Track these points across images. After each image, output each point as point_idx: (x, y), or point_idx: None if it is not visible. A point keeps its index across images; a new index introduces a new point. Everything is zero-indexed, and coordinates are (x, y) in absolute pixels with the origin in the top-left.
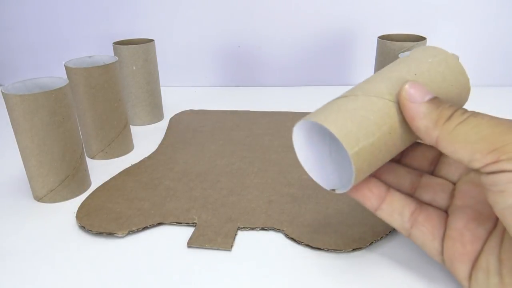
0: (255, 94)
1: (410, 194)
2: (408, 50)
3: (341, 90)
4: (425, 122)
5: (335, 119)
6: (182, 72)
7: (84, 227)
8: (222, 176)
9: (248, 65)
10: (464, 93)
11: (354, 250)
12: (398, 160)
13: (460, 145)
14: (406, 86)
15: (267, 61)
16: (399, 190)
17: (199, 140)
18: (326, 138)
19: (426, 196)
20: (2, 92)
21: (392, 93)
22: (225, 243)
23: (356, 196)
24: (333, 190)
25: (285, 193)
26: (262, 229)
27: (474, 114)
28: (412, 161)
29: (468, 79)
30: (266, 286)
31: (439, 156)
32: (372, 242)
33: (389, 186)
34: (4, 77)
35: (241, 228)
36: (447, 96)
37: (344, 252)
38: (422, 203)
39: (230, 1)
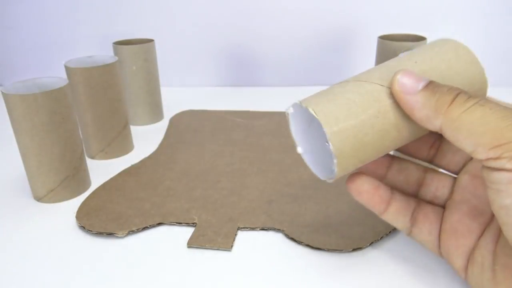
0: (255, 94)
1: (415, 192)
2: (408, 50)
3: None
4: (424, 112)
5: (318, 101)
6: (182, 72)
7: (84, 227)
8: (222, 176)
9: (248, 65)
10: (478, 84)
11: (354, 250)
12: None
13: (463, 135)
14: (398, 76)
15: (267, 61)
16: (406, 188)
17: (199, 140)
18: (320, 129)
19: (429, 193)
20: (2, 92)
21: (383, 78)
22: (225, 243)
23: (367, 202)
24: (329, 179)
25: (285, 193)
26: (262, 229)
27: (481, 102)
28: (410, 147)
29: (482, 70)
30: (266, 286)
31: (439, 142)
32: (372, 242)
33: (395, 187)
34: (4, 77)
35: (241, 228)
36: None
37: (344, 252)
38: (420, 202)
39: (230, 1)
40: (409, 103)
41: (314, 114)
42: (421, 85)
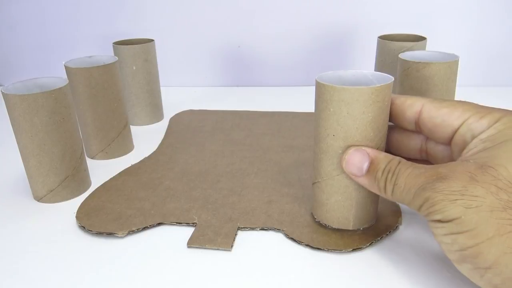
0: (255, 94)
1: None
2: (408, 50)
3: None
4: (375, 190)
5: (325, 216)
6: (182, 72)
7: (84, 227)
8: (222, 176)
9: (248, 65)
10: (381, 98)
11: (354, 250)
12: (388, 151)
13: (406, 203)
14: (344, 166)
15: (267, 61)
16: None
17: (199, 140)
18: None
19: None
20: (2, 92)
21: (336, 168)
22: (225, 243)
23: None
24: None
25: (285, 193)
26: (262, 229)
27: (399, 175)
28: (402, 154)
29: (363, 90)
30: (266, 286)
31: (425, 146)
32: (372, 242)
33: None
34: (4, 77)
35: (241, 228)
36: (371, 124)
37: (344, 252)
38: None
39: (230, 1)
40: (360, 183)
41: (334, 226)
42: (364, 168)
